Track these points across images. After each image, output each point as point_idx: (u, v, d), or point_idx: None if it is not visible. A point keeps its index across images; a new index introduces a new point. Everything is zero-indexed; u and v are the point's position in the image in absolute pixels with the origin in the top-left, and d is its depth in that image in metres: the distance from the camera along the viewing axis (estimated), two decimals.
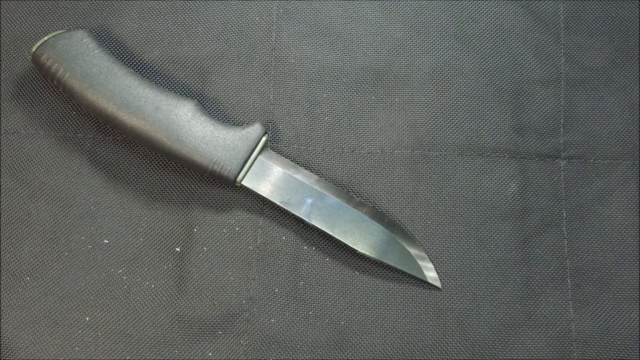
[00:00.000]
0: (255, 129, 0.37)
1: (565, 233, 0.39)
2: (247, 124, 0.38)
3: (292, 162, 0.38)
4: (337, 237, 0.37)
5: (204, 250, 0.38)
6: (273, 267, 0.38)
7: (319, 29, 0.41)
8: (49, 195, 0.39)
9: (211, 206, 0.39)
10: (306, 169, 0.39)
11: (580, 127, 0.40)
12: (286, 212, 0.38)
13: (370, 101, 0.40)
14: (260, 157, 0.38)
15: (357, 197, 0.39)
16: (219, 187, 0.39)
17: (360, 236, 0.37)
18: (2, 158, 0.39)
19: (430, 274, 0.37)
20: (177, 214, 0.38)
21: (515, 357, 0.37)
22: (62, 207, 0.38)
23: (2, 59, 0.41)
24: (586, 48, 0.42)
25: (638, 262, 0.38)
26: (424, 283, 0.38)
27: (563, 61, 0.41)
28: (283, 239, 0.38)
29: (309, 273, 0.38)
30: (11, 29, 0.41)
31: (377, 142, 0.40)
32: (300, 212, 0.37)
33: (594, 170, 0.40)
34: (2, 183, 0.39)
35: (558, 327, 0.37)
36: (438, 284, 0.37)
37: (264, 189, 0.37)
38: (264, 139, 0.37)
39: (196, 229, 0.38)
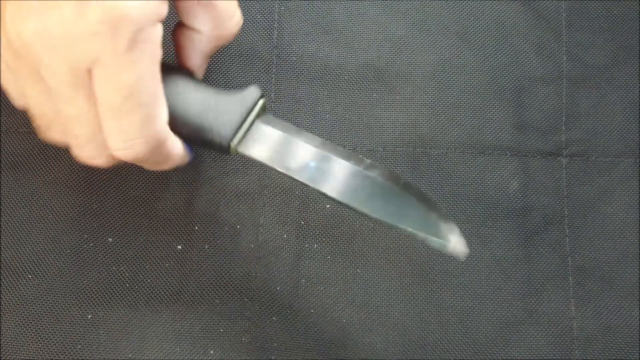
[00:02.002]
0: (250, 92, 0.34)
1: (567, 231, 0.39)
2: (242, 88, 0.35)
3: (293, 126, 0.34)
4: (345, 202, 0.32)
5: (205, 248, 0.38)
6: (274, 265, 0.38)
7: (320, 26, 0.41)
8: (51, 193, 0.39)
9: (212, 204, 0.39)
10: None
11: (582, 125, 0.40)
12: (288, 209, 0.38)
13: (371, 99, 0.40)
14: (257, 121, 0.34)
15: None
16: (220, 186, 0.39)
17: (372, 200, 0.32)
18: (3, 156, 0.39)
19: (454, 238, 0.31)
20: (178, 212, 0.39)
21: (516, 355, 0.37)
22: (64, 205, 0.39)
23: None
24: (588, 46, 0.42)
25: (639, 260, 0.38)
26: (426, 280, 0.37)
27: (565, 59, 0.41)
28: (284, 237, 0.38)
29: (310, 271, 0.38)
30: None
31: (379, 139, 0.40)
32: (303, 177, 0.33)
33: (596, 168, 0.40)
34: (2, 181, 0.39)
35: (560, 325, 0.37)
36: (463, 247, 0.31)
37: (262, 154, 0.33)
38: (260, 102, 0.34)
39: (197, 227, 0.38)
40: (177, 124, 0.34)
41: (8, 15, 0.27)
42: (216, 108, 0.33)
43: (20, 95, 0.31)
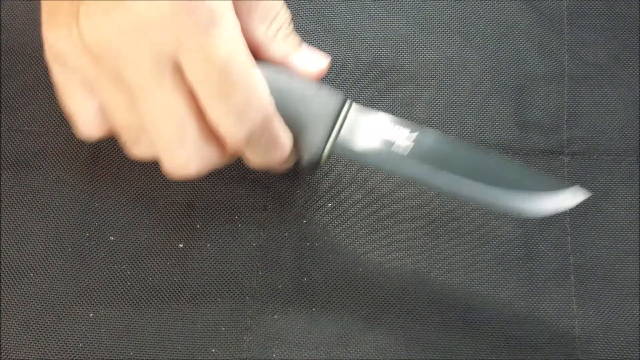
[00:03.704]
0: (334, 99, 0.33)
1: (569, 229, 0.39)
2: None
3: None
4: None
5: (206, 246, 0.38)
6: (276, 263, 0.38)
7: (321, 25, 0.41)
8: (51, 191, 0.39)
9: (214, 202, 0.39)
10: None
11: (584, 124, 0.40)
12: (289, 208, 0.38)
13: (373, 97, 0.40)
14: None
15: None
16: (222, 184, 0.39)
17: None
18: (3, 155, 0.39)
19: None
20: (180, 210, 0.38)
21: (517, 354, 0.37)
22: (65, 204, 0.39)
23: (2, 55, 0.41)
24: (589, 44, 0.41)
25: None
26: (427, 279, 0.37)
27: (566, 57, 0.41)
28: (286, 236, 0.38)
29: (312, 269, 0.38)
30: (12, 25, 0.41)
31: None
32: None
33: (598, 166, 0.40)
34: (3, 180, 0.39)
35: (561, 324, 0.37)
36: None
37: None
38: (345, 107, 0.33)
39: (199, 225, 0.38)
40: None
41: (83, 20, 0.27)
42: (312, 99, 0.32)
43: (104, 113, 0.31)
